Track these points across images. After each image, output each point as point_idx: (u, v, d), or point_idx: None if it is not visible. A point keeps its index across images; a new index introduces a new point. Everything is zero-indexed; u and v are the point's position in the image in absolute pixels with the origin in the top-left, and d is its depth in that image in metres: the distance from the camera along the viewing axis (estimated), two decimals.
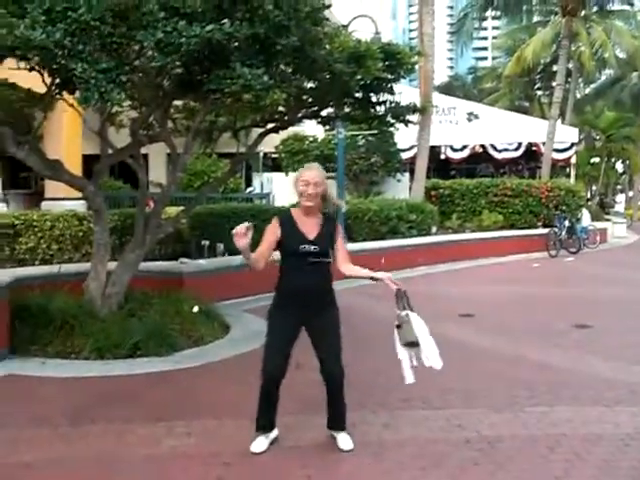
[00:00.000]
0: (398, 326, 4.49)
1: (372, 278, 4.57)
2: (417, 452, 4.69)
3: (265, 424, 4.70)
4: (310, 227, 4.55)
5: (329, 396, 4.67)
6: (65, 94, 7.35)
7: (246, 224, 4.25)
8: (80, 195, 8.64)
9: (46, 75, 6.84)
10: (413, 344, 4.41)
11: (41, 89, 7.34)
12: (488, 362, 7.22)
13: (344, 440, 4.71)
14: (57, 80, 6.86)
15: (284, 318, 4.55)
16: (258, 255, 4.50)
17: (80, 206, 11.62)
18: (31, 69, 6.71)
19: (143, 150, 9.45)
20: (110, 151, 8.86)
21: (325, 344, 4.58)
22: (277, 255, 4.64)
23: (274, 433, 4.77)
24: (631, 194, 50.56)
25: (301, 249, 4.46)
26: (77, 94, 6.78)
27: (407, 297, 4.56)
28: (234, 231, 4.24)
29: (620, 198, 54.41)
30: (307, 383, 5.50)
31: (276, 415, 4.71)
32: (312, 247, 4.47)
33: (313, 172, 4.56)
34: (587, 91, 44.09)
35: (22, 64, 6.59)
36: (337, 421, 4.76)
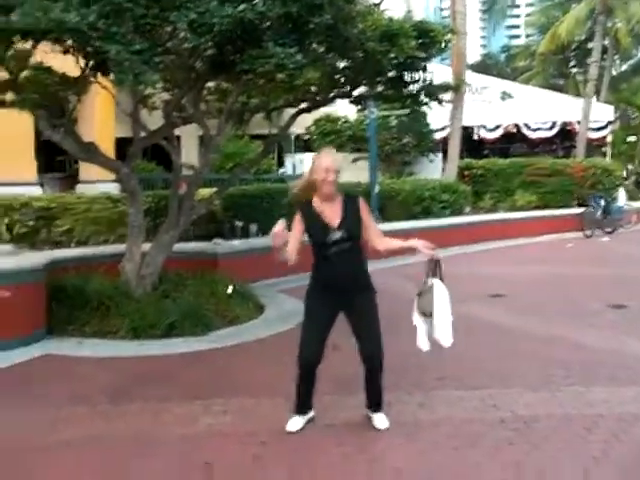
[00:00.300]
0: (419, 294, 4.58)
1: (407, 248, 4.55)
2: (452, 432, 4.69)
3: (302, 406, 4.74)
4: (333, 212, 4.49)
5: (367, 377, 4.67)
6: (99, 77, 7.40)
7: (282, 223, 4.20)
8: (114, 177, 8.71)
9: (80, 58, 6.89)
10: (428, 314, 4.51)
11: (75, 72, 7.39)
12: (522, 342, 7.17)
13: (380, 419, 4.74)
14: (91, 62, 6.91)
15: (321, 304, 4.53)
16: (291, 250, 4.48)
17: (114, 188, 11.73)
18: (65, 52, 6.75)
19: (176, 132, 9.51)
20: (143, 133, 8.90)
21: (364, 327, 4.55)
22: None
23: (310, 413, 4.81)
24: None
25: (328, 240, 4.42)
26: (111, 76, 6.83)
27: (440, 266, 4.55)
28: (273, 232, 4.19)
29: None
30: (343, 364, 5.53)
31: (313, 397, 4.75)
32: (338, 234, 4.42)
33: (332, 158, 4.53)
34: (623, 68, 43.22)
35: (57, 47, 6.64)
36: (375, 402, 4.76)
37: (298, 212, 4.56)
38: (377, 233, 4.65)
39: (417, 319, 4.58)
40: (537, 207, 19.93)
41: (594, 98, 26.89)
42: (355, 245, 4.49)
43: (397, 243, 4.65)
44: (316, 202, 4.54)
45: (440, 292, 4.49)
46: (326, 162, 4.46)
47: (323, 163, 4.46)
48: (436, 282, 4.50)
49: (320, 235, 4.44)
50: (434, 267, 4.56)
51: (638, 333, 7.56)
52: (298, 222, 4.53)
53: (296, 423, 4.70)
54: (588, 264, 13.44)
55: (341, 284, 4.47)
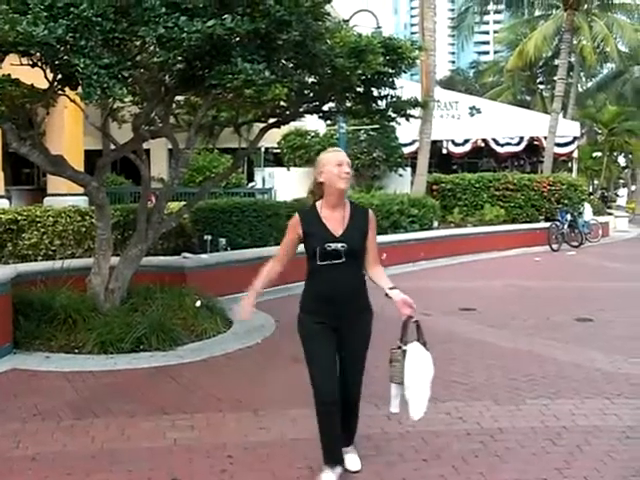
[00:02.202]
0: (390, 361, 3.97)
1: (386, 294, 3.97)
2: (419, 444, 4.73)
3: (332, 457, 4.07)
4: (337, 221, 3.99)
5: (343, 413, 4.09)
6: (67, 90, 7.37)
7: (251, 296, 4.09)
8: (82, 191, 8.67)
9: (48, 71, 6.86)
10: (399, 384, 3.93)
11: (43, 85, 7.37)
12: (490, 355, 7.25)
13: (352, 460, 4.31)
14: (59, 76, 6.88)
15: (321, 328, 3.98)
16: (276, 261, 4.13)
17: (82, 202, 11.66)
18: (33, 65, 6.73)
19: (145, 145, 9.48)
20: (112, 147, 8.88)
21: (350, 360, 4.09)
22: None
23: (343, 465, 4.17)
24: (633, 188, 50.56)
25: (327, 248, 3.90)
26: (79, 90, 6.81)
27: (419, 327, 3.95)
28: (242, 305, 4.07)
29: (622, 192, 54.35)
30: (306, 376, 5.52)
31: (341, 444, 4.17)
32: (340, 245, 3.90)
33: (342, 154, 4.09)
34: (589, 85, 43.99)
35: (24, 60, 6.61)
36: (346, 437, 4.27)
37: (297, 215, 4.09)
38: (375, 259, 4.12)
39: (392, 386, 3.99)
40: (505, 221, 20.19)
41: (561, 114, 27.29)
42: (355, 261, 3.99)
43: (383, 283, 4.02)
44: (320, 208, 4.05)
45: (416, 359, 3.89)
46: (337, 156, 4.03)
47: (333, 158, 4.01)
48: (412, 348, 3.90)
49: (318, 242, 3.92)
50: (413, 329, 3.94)
51: (603, 346, 7.67)
52: (294, 226, 4.05)
53: (329, 478, 4.03)
54: (555, 278, 13.62)
55: (338, 302, 3.95)
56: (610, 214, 28.12)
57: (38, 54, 6.34)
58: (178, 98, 9.30)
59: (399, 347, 3.93)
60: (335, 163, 3.96)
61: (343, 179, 3.95)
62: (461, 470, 4.31)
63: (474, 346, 7.70)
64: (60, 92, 7.51)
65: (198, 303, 8.39)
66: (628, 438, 4.88)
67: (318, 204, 4.06)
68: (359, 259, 4.02)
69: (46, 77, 7.06)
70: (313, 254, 3.95)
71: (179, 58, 6.42)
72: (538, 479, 4.20)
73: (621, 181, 57.17)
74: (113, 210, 9.76)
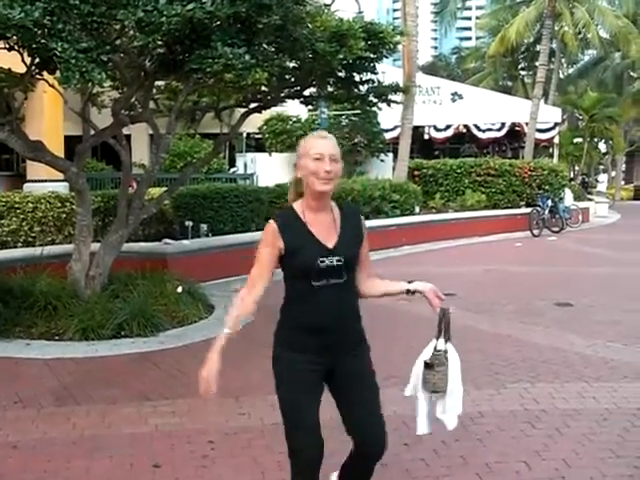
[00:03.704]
0: (429, 365, 3.12)
1: (408, 291, 3.12)
2: (401, 428, 4.74)
3: None
4: (326, 227, 2.97)
5: (358, 465, 3.19)
6: (45, 74, 7.30)
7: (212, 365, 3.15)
8: (62, 177, 8.60)
9: (26, 55, 6.78)
10: (440, 391, 3.12)
11: (21, 69, 7.29)
12: (470, 340, 7.28)
13: None
14: (37, 60, 6.80)
15: (302, 371, 2.97)
16: (250, 289, 2.99)
17: (62, 188, 11.56)
18: (10, 49, 6.65)
19: (125, 131, 9.43)
20: (92, 132, 8.81)
21: (360, 400, 3.06)
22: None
23: None
24: (613, 174, 50.87)
25: (319, 266, 2.89)
26: (57, 74, 6.75)
27: (448, 321, 3.23)
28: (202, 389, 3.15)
29: (602, 178, 54.69)
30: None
31: None
32: (335, 259, 2.91)
33: (326, 141, 2.99)
34: (570, 71, 44.21)
35: (1, 44, 6.53)
36: None
37: (273, 224, 2.96)
38: (369, 270, 3.16)
39: (420, 396, 3.16)
40: (486, 207, 20.24)
41: (542, 100, 27.38)
42: (352, 278, 3.04)
43: (395, 286, 3.18)
44: (301, 211, 3.00)
45: (455, 362, 3.16)
46: (318, 145, 2.94)
47: (311, 147, 2.94)
48: (449, 347, 3.19)
49: (307, 258, 2.90)
50: (445, 325, 3.23)
51: (583, 331, 7.75)
52: (270, 238, 2.95)
53: None
54: (536, 263, 13.71)
55: (329, 334, 2.95)
56: (590, 200, 28.26)
57: (15, 37, 6.25)
58: (158, 83, 9.25)
59: (436, 349, 3.17)
60: (313, 155, 2.91)
61: (322, 180, 2.90)
62: (442, 454, 4.34)
63: (454, 331, 7.72)
64: (38, 76, 7.44)
65: (179, 289, 8.37)
66: (606, 420, 4.94)
67: (297, 205, 3.02)
68: (353, 274, 3.05)
69: (23, 61, 6.98)
70: (303, 273, 2.92)
71: (159, 42, 6.35)
72: (518, 461, 4.24)
73: (601, 167, 57.49)
74: (94, 196, 9.69)
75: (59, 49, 5.70)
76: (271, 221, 2.99)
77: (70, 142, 13.80)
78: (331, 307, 2.94)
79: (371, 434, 3.06)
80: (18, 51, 6.68)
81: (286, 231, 2.93)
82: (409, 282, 3.12)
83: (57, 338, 7.20)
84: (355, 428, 3.06)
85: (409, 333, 7.10)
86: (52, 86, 7.97)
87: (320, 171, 2.88)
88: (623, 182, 50.82)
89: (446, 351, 3.13)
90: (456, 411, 3.15)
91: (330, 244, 2.94)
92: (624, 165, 52.63)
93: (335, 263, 2.91)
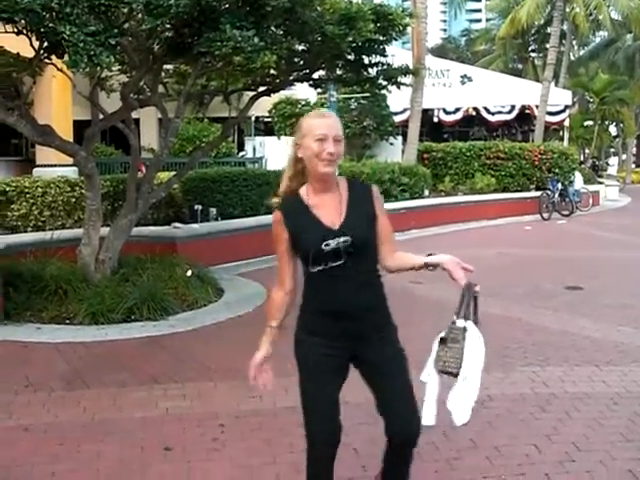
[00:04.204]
0: (443, 339, 2.92)
1: (427, 265, 2.94)
2: None
3: None
4: (332, 209, 2.87)
5: (393, 459, 3.12)
6: (54, 58, 7.28)
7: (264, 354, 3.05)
8: (71, 161, 8.60)
9: (34, 39, 6.76)
10: (451, 374, 2.88)
11: (29, 53, 7.27)
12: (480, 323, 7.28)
13: None
14: (45, 44, 6.78)
15: (323, 355, 2.91)
16: (279, 286, 2.99)
17: (72, 172, 11.58)
18: (18, 33, 6.63)
19: (134, 115, 9.42)
20: (101, 116, 8.80)
21: (389, 388, 2.96)
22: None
23: None
24: (624, 157, 50.54)
25: (322, 248, 2.79)
26: (66, 58, 6.73)
27: (476, 298, 2.92)
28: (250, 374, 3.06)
29: (613, 161, 54.36)
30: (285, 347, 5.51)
31: None
32: (340, 240, 2.80)
33: (329, 120, 2.88)
34: (581, 53, 43.77)
35: (9, 28, 6.51)
36: None
37: (278, 214, 2.94)
38: (391, 244, 3.02)
39: (431, 377, 2.95)
40: (496, 190, 20.18)
41: (552, 83, 27.18)
42: (364, 259, 2.89)
43: (415, 259, 3.01)
44: (305, 194, 2.93)
45: (474, 343, 2.88)
46: (320, 125, 2.82)
47: (314, 127, 2.82)
48: (470, 326, 2.90)
49: (312, 242, 2.81)
50: (469, 302, 2.91)
51: (593, 314, 7.73)
52: (278, 229, 2.92)
53: None
54: (545, 246, 13.67)
55: (346, 318, 2.86)
56: (601, 183, 28.11)
57: (23, 21, 6.23)
58: (167, 66, 9.23)
59: (456, 322, 2.91)
60: (316, 136, 2.79)
61: (324, 161, 2.79)
62: (451, 437, 4.33)
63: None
64: (47, 61, 7.42)
65: (189, 273, 8.38)
66: (616, 404, 4.94)
67: (303, 189, 2.94)
68: (369, 254, 2.92)
69: (32, 45, 6.96)
70: (310, 257, 2.83)
71: (167, 25, 6.35)
72: (528, 445, 4.23)
73: (612, 150, 57.14)
74: (103, 180, 9.70)
75: (67, 33, 5.68)
76: (275, 211, 2.96)
77: (79, 126, 13.82)
78: (344, 290, 2.85)
79: (404, 427, 2.97)
80: (26, 35, 6.66)
81: (289, 217, 2.89)
82: (428, 255, 2.96)
83: (67, 322, 7.23)
84: (385, 413, 2.98)
85: (422, 318, 7.10)
86: (60, 70, 7.95)
87: (323, 153, 2.77)
88: (634, 165, 50.49)
89: (465, 329, 2.87)
90: (468, 404, 2.89)
91: (336, 224, 2.84)
92: (635, 148, 52.22)
93: (342, 245, 2.80)
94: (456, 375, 2.85)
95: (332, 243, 2.79)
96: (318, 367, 2.94)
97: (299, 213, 2.88)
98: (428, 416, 2.97)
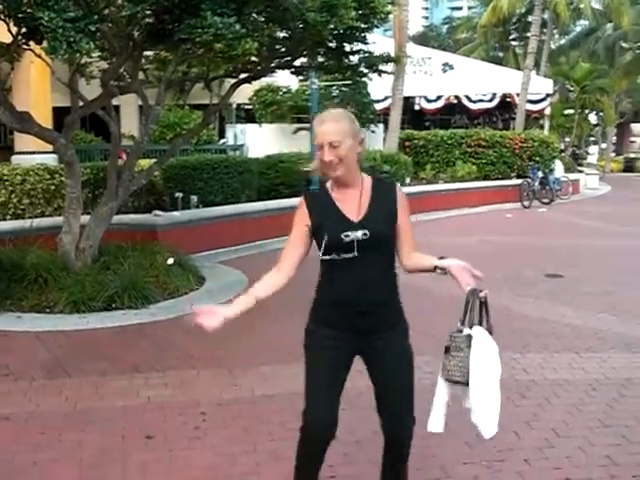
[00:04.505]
0: (446, 349, 2.94)
1: (436, 268, 3.03)
2: None
3: None
4: (354, 204, 2.93)
5: (385, 461, 3.21)
6: (32, 44, 7.20)
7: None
8: (51, 148, 8.53)
9: (12, 24, 6.68)
10: (459, 383, 2.88)
11: (7, 39, 7.18)
12: (459, 310, 7.31)
13: None
14: (23, 29, 6.71)
15: (330, 347, 2.94)
16: (279, 267, 2.97)
17: (51, 160, 11.48)
18: None
19: (114, 102, 9.32)
20: (81, 103, 8.72)
21: (390, 391, 3.05)
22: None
23: None
24: (604, 146, 50.84)
25: (344, 239, 2.84)
26: (45, 44, 6.66)
27: (485, 304, 3.00)
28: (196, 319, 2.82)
29: (593, 150, 54.67)
30: (278, 335, 5.53)
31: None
32: (358, 233, 2.84)
33: (325, 126, 2.85)
34: (562, 42, 43.92)
35: None
36: None
37: (303, 200, 3.01)
38: (411, 244, 3.10)
39: (439, 385, 2.98)
40: (477, 178, 20.25)
41: (533, 71, 27.26)
42: (379, 254, 2.95)
43: (428, 260, 3.07)
44: (330, 188, 2.99)
45: (482, 350, 2.83)
46: (317, 133, 2.88)
47: (316, 134, 2.90)
48: (477, 332, 2.89)
49: (332, 232, 2.86)
50: (476, 308, 2.97)
51: (573, 302, 7.79)
52: (300, 214, 2.96)
53: None
54: (526, 234, 13.74)
55: (355, 311, 2.89)
56: (581, 171, 28.27)
57: (0, 6, 6.16)
58: (147, 53, 9.15)
59: (460, 330, 2.94)
60: (317, 143, 2.89)
61: (326, 165, 2.86)
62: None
63: (442, 301, 7.74)
64: (25, 46, 7.33)
65: (170, 261, 8.35)
66: (595, 390, 4.99)
67: (329, 183, 3.00)
68: (386, 251, 2.98)
69: (9, 31, 6.88)
70: (325, 247, 2.88)
71: (147, 12, 6.31)
72: (508, 431, 4.26)
73: (592, 139, 57.46)
74: (83, 168, 9.61)
75: (46, 18, 5.61)
76: (303, 196, 3.03)
77: (58, 113, 13.71)
78: (357, 283, 2.89)
79: (395, 420, 3.07)
80: (4, 20, 6.59)
81: (314, 206, 2.95)
82: (440, 258, 3.02)
83: (48, 311, 7.18)
84: (381, 412, 3.08)
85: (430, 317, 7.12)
86: (39, 56, 7.86)
87: (322, 156, 2.84)
88: (613, 154, 50.79)
89: (470, 337, 2.87)
90: (493, 415, 2.87)
91: (356, 218, 2.89)
92: (614, 137, 52.55)
93: (361, 237, 2.85)
94: (465, 383, 2.84)
95: (351, 235, 2.85)
96: (320, 355, 2.97)
97: (324, 203, 2.95)
98: (435, 423, 3.00)
